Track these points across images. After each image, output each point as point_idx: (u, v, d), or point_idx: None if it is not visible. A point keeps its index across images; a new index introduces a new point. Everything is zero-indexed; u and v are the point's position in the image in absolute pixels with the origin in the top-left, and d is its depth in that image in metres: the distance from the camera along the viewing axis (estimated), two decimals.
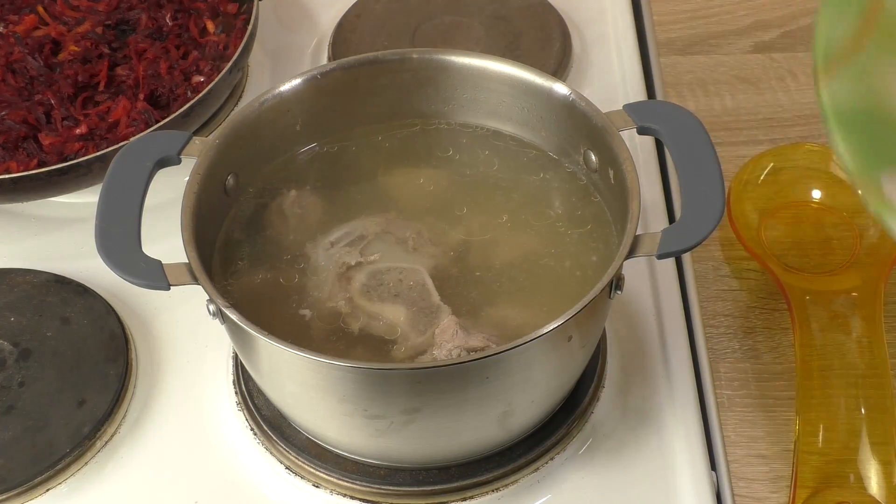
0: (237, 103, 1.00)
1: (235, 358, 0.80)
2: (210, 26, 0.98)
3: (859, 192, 0.51)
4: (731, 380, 0.80)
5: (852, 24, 0.51)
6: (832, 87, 0.51)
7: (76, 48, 0.95)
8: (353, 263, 0.73)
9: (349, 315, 0.71)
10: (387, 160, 0.80)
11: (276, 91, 0.77)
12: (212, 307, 0.66)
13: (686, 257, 0.87)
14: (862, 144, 0.51)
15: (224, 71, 0.90)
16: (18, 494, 0.74)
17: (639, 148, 0.93)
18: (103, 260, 0.66)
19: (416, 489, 0.72)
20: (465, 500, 0.72)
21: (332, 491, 0.74)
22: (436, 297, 0.71)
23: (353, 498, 0.73)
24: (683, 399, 0.77)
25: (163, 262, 0.66)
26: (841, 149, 0.51)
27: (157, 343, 0.83)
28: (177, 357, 0.82)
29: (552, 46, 1.02)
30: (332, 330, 0.70)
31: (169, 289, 0.65)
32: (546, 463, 0.74)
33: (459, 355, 0.66)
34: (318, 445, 0.74)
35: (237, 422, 0.78)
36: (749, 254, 0.85)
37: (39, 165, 0.86)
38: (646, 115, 0.72)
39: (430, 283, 0.72)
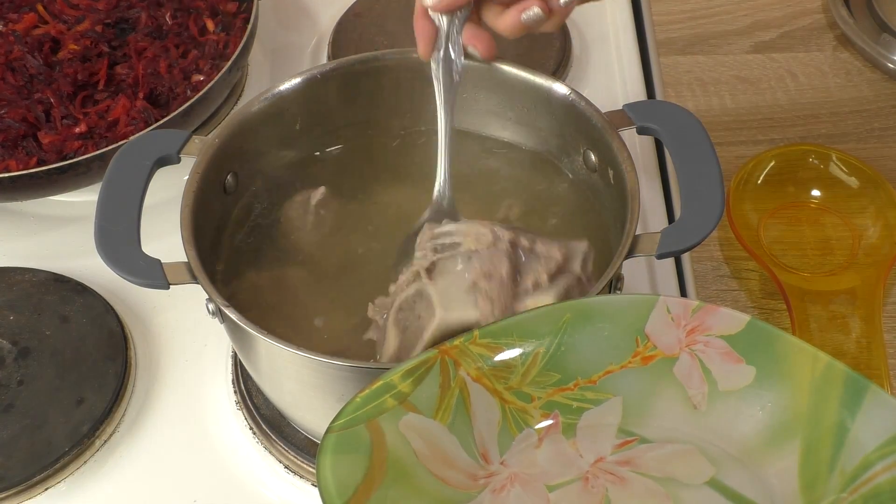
0: (237, 102, 1.00)
1: (234, 357, 0.80)
2: (210, 25, 0.98)
3: None
4: None
5: (362, 465, 0.55)
6: None
7: (76, 47, 0.95)
8: (408, 277, 0.69)
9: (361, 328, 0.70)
10: (390, 161, 0.80)
11: (276, 90, 0.77)
12: (211, 306, 0.66)
13: (685, 257, 0.87)
14: None
15: (224, 70, 0.90)
16: (17, 493, 0.74)
17: (638, 148, 0.93)
18: (102, 259, 0.66)
19: None
20: None
21: None
22: (420, 348, 0.65)
23: None
24: None
25: (162, 261, 0.66)
26: None
27: (157, 342, 0.83)
28: (176, 356, 0.82)
29: (551, 46, 1.02)
30: (335, 336, 0.70)
31: (168, 287, 0.65)
32: None
33: None
34: (317, 444, 0.74)
35: (236, 421, 0.78)
36: (748, 254, 0.85)
37: (39, 164, 0.86)
38: (645, 115, 0.72)
39: (427, 335, 0.65)
